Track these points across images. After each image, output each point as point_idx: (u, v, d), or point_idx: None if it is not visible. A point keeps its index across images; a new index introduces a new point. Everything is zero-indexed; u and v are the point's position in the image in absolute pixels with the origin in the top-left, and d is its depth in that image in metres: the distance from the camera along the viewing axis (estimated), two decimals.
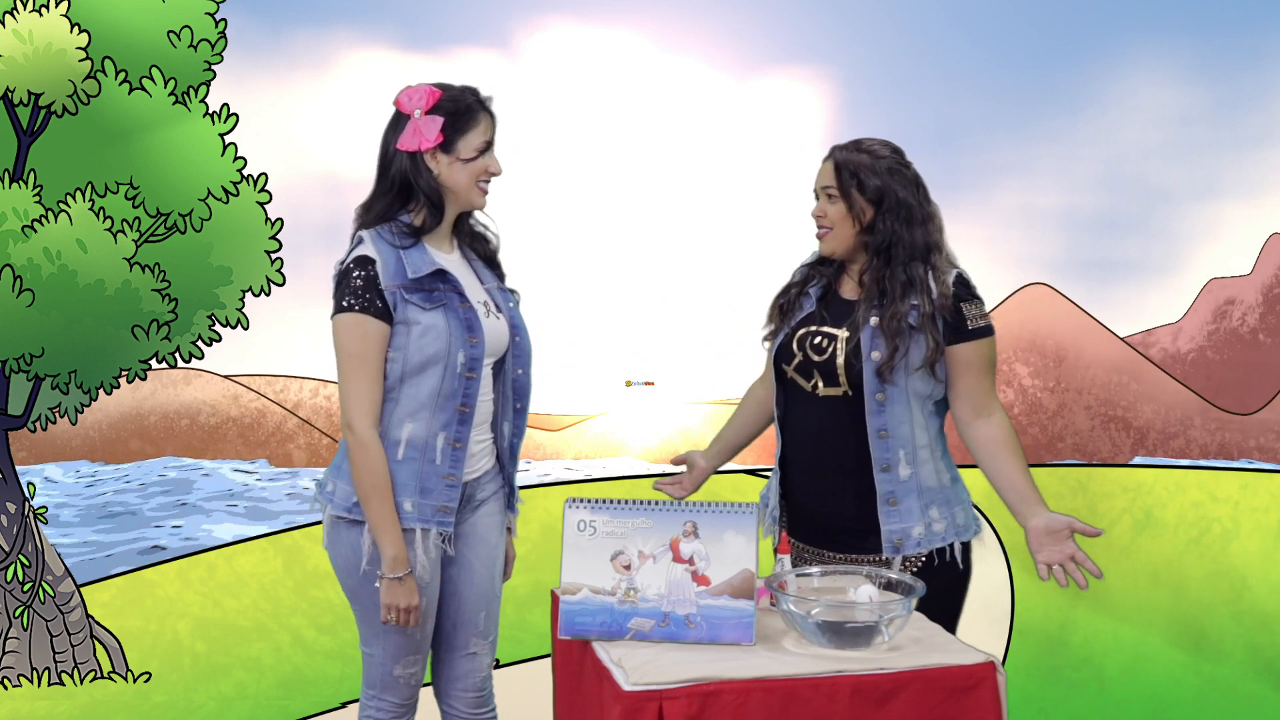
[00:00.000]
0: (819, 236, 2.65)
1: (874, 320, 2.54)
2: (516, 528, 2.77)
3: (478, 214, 2.64)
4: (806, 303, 2.67)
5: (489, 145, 2.51)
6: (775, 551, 2.47)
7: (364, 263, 2.43)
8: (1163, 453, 4.04)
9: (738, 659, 2.06)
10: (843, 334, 2.57)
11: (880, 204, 2.59)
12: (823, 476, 2.60)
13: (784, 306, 2.70)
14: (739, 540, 2.16)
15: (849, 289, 2.66)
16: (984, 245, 3.98)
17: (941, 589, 2.61)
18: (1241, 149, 3.98)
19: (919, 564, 2.58)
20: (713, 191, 3.94)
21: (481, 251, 2.65)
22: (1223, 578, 3.99)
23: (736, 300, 3.88)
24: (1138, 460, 4.05)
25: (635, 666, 2.02)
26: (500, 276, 2.66)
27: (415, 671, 2.59)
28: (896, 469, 2.54)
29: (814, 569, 2.40)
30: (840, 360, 2.54)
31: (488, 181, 2.53)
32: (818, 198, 2.65)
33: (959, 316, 2.56)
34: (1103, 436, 4.05)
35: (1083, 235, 4.00)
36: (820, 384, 2.57)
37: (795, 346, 2.61)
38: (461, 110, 2.47)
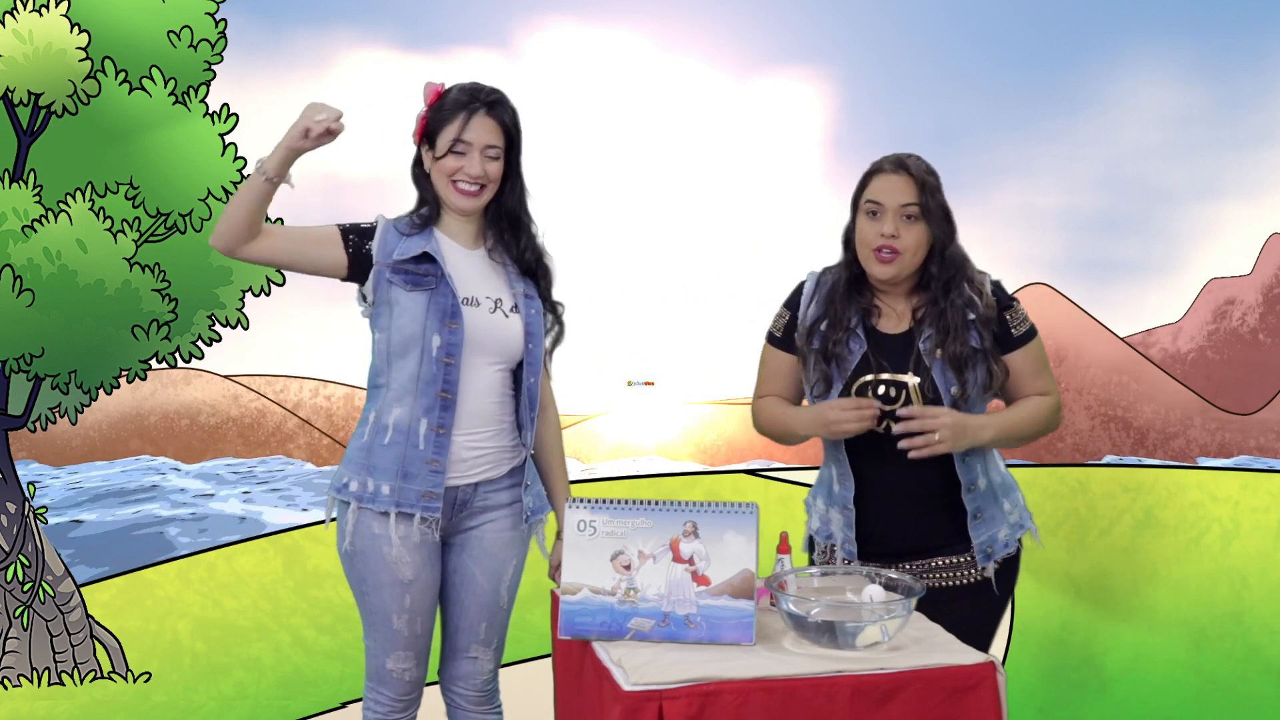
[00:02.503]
0: (884, 260, 2.44)
1: (938, 354, 2.44)
2: (545, 538, 2.74)
3: (543, 244, 2.61)
4: (855, 345, 2.49)
5: (460, 143, 2.46)
6: (776, 551, 2.47)
7: (367, 229, 2.51)
8: (1163, 453, 4.04)
9: (738, 659, 2.06)
10: (912, 380, 2.44)
11: (947, 226, 2.48)
12: (906, 504, 2.51)
13: (828, 354, 2.48)
14: (739, 540, 2.16)
15: (889, 322, 2.52)
16: (984, 245, 3.94)
17: (1013, 573, 2.62)
18: (1241, 149, 3.98)
19: (1008, 558, 2.58)
20: (713, 191, 3.94)
21: (529, 269, 2.60)
22: (1223, 578, 3.99)
23: (736, 300, 3.88)
24: (1137, 460, 4.05)
25: (635, 666, 2.02)
26: (542, 297, 2.60)
27: (408, 669, 2.57)
28: (978, 483, 2.51)
29: (814, 569, 2.40)
30: (916, 404, 2.44)
31: (467, 184, 2.47)
32: (874, 215, 2.45)
33: (1003, 326, 2.50)
34: (1103, 436, 4.05)
35: (1083, 235, 4.00)
36: (892, 424, 2.45)
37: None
38: (446, 105, 2.50)
